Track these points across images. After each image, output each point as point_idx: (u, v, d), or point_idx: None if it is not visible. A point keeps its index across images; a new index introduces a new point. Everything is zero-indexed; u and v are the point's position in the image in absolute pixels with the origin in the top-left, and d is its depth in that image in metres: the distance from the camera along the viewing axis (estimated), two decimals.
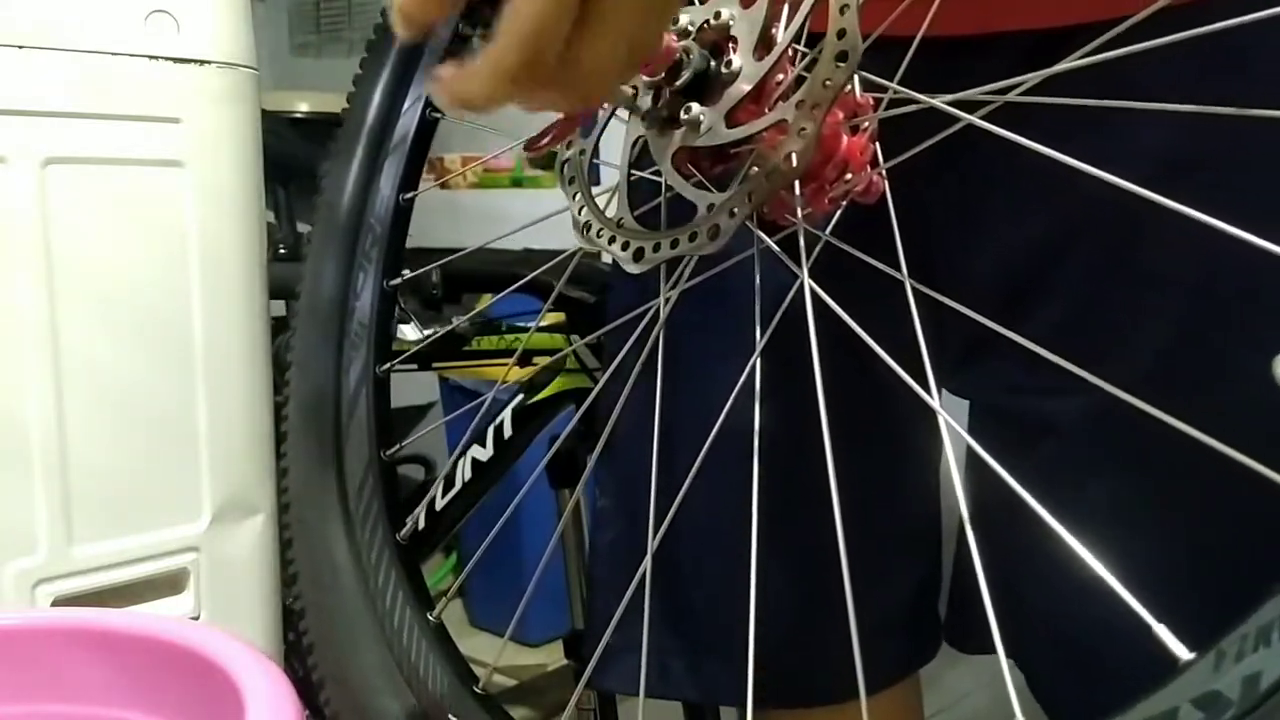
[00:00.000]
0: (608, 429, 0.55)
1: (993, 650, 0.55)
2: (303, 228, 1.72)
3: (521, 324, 1.24)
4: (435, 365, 1.33)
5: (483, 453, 1.07)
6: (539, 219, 0.64)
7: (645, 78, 0.45)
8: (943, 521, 0.66)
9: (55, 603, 0.74)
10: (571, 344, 1.09)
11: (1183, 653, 0.29)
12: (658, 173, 0.46)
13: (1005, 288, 0.55)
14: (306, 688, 0.61)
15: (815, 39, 0.41)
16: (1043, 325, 0.54)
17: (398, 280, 0.72)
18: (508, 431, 1.07)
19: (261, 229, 0.86)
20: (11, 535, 0.72)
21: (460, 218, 1.90)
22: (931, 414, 0.40)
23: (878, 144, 0.44)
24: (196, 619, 0.79)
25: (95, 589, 0.75)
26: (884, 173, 0.44)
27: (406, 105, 0.73)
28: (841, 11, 0.39)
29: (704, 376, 0.57)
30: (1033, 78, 0.38)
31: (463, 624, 1.97)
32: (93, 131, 0.75)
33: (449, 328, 1.11)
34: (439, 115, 0.73)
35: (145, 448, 0.77)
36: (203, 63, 0.79)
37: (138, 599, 0.78)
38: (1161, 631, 0.30)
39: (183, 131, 0.78)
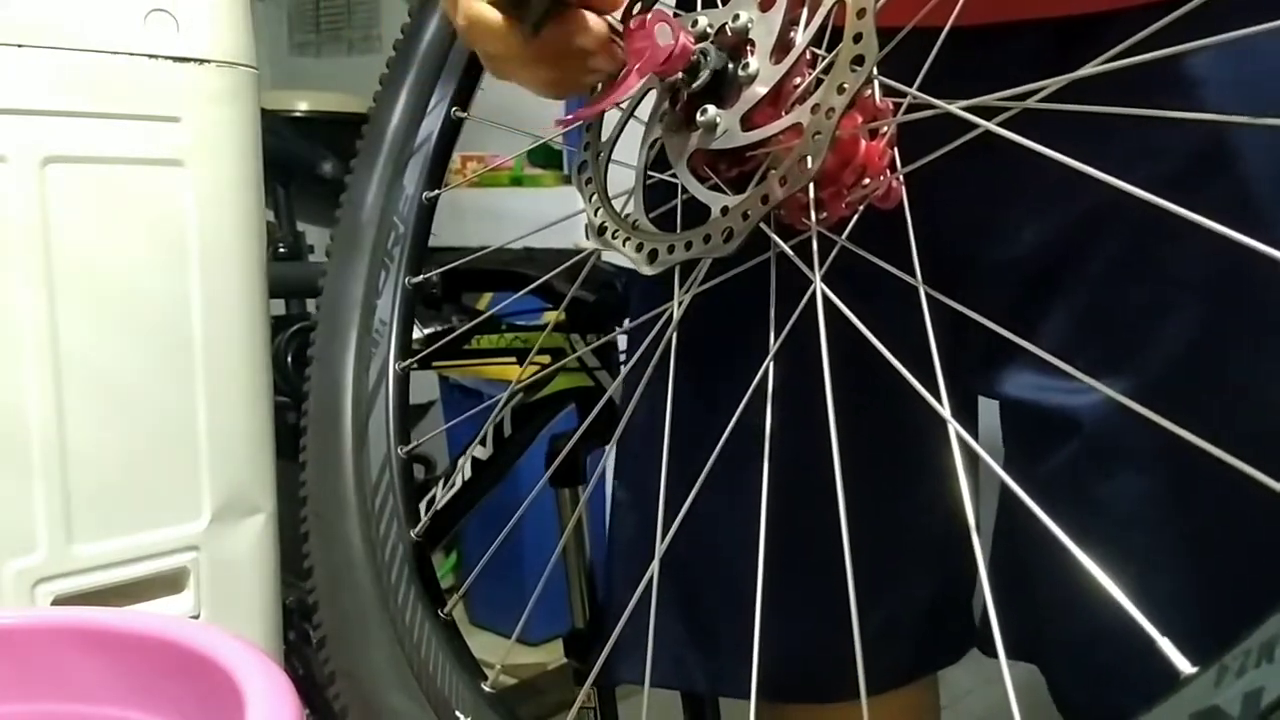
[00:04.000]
0: (622, 424, 0.56)
1: (1021, 656, 0.55)
2: (302, 227, 1.72)
3: (521, 323, 1.24)
4: (435, 364, 1.33)
5: (482, 452, 1.07)
6: (562, 219, 0.64)
7: (660, 78, 0.45)
8: (981, 529, 0.65)
9: (55, 602, 0.73)
10: (571, 343, 1.09)
11: (1185, 666, 0.29)
12: (674, 175, 0.46)
13: (1026, 282, 0.55)
14: (306, 686, 0.61)
15: (837, 37, 0.41)
16: (1063, 321, 0.54)
17: (419, 278, 0.73)
18: (507, 430, 1.07)
19: (261, 228, 0.86)
20: (11, 534, 0.72)
21: (460, 216, 1.89)
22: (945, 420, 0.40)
23: (896, 149, 0.44)
24: (196, 618, 0.79)
25: (95, 588, 0.75)
26: (902, 178, 0.44)
27: (431, 105, 0.74)
28: (859, 15, 0.39)
29: (719, 377, 0.57)
30: (1055, 82, 0.38)
31: (462, 623, 1.97)
32: (92, 130, 0.75)
33: (451, 327, 1.11)
34: (464, 115, 0.74)
35: (145, 446, 0.77)
36: (202, 61, 0.79)
37: (137, 598, 0.77)
38: (1165, 645, 0.30)
39: (182, 130, 0.78)
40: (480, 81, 0.75)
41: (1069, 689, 0.57)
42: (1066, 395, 0.53)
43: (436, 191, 0.74)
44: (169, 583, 0.78)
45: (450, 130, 0.74)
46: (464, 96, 0.75)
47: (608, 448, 0.57)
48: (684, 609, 0.64)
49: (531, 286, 0.80)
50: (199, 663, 0.51)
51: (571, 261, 0.68)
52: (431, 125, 0.74)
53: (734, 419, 0.47)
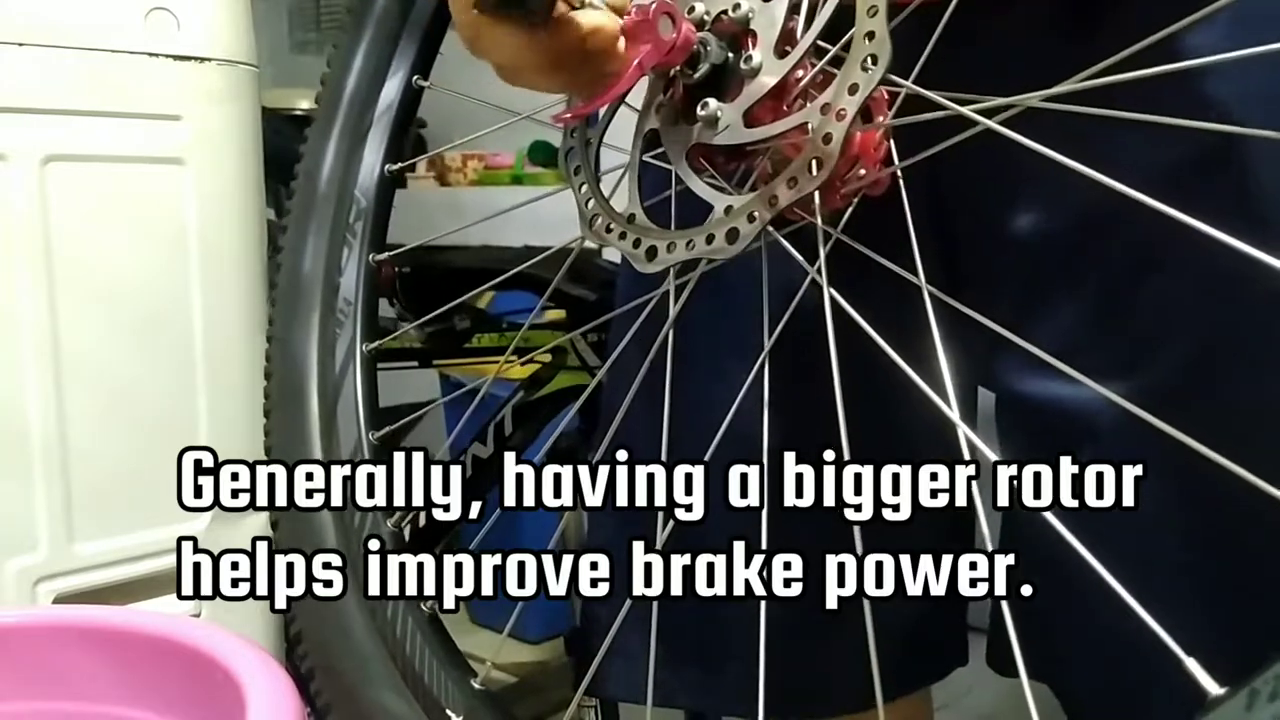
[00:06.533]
0: (614, 427, 0.55)
1: (1032, 675, 0.54)
2: None
3: (523, 321, 1.24)
4: (435, 362, 1.33)
5: (483, 450, 1.07)
6: (516, 205, 0.63)
7: (657, 67, 0.44)
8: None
9: (56, 600, 0.73)
10: (572, 342, 1.09)
11: (1213, 687, 0.29)
12: (667, 160, 0.45)
13: (1033, 278, 0.54)
14: (307, 684, 0.61)
15: (839, 27, 0.40)
16: (1072, 318, 0.52)
17: (383, 255, 0.70)
18: (508, 429, 1.07)
19: (262, 226, 0.86)
20: (13, 533, 0.72)
21: (461, 215, 1.89)
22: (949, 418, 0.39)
23: (891, 140, 0.43)
24: (197, 616, 0.79)
25: (96, 586, 0.75)
26: (899, 171, 0.43)
27: (391, 71, 0.70)
28: (870, 13, 0.38)
29: (711, 375, 0.56)
30: (1058, 90, 0.37)
31: (463, 621, 1.97)
32: (93, 129, 0.75)
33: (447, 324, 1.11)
34: (425, 84, 0.70)
35: (145, 445, 0.77)
36: (203, 60, 0.79)
37: (138, 596, 0.78)
38: (1191, 665, 0.29)
39: (183, 129, 0.78)
40: (440, 47, 0.70)
41: (1084, 708, 0.56)
42: (1077, 391, 0.52)
43: (399, 164, 0.70)
44: (170, 581, 0.78)
45: (412, 100, 0.71)
46: (425, 63, 0.71)
47: (599, 449, 0.56)
48: (663, 623, 0.63)
49: (503, 277, 0.78)
50: (200, 661, 0.51)
51: (551, 251, 0.66)
52: (392, 93, 0.70)
53: (727, 417, 0.46)
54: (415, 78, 0.70)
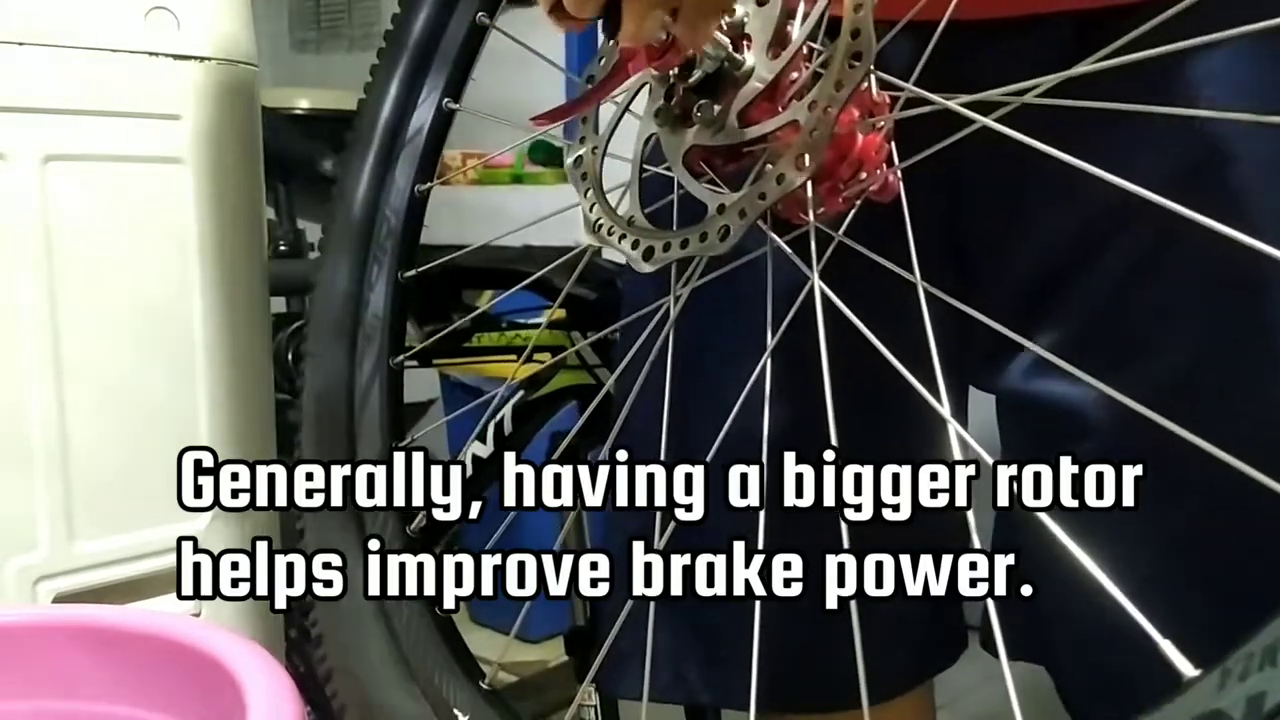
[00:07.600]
0: (617, 425, 0.55)
1: (1028, 658, 0.54)
2: (303, 225, 1.72)
3: (522, 320, 1.24)
4: (436, 361, 1.33)
5: (483, 449, 1.07)
6: (547, 215, 0.64)
7: (656, 73, 0.45)
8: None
9: (56, 599, 0.73)
10: (573, 341, 1.09)
11: (1188, 669, 0.29)
12: (669, 169, 0.46)
13: (1039, 280, 0.54)
14: (307, 684, 0.61)
15: (835, 27, 0.40)
16: (1073, 320, 0.53)
17: (412, 272, 0.72)
18: (508, 428, 1.07)
19: (262, 226, 0.86)
20: (13, 532, 0.72)
21: (461, 214, 1.89)
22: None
23: (893, 143, 0.43)
24: (197, 616, 0.79)
25: (96, 586, 0.75)
26: (900, 173, 0.44)
27: (422, 98, 0.73)
28: (856, 10, 0.38)
29: (716, 376, 0.57)
30: (1051, 79, 0.38)
31: (464, 620, 1.97)
32: (93, 128, 0.75)
33: (450, 326, 1.11)
34: (455, 107, 0.73)
35: (146, 444, 0.77)
36: (203, 59, 0.79)
37: (139, 596, 0.78)
38: (1167, 647, 0.30)
39: (183, 128, 0.78)
40: (471, 73, 0.73)
41: (1077, 691, 0.57)
42: (1069, 390, 0.52)
43: (429, 184, 0.73)
44: (170, 580, 0.78)
45: (442, 122, 0.74)
46: (455, 88, 0.74)
47: (604, 447, 0.56)
48: (683, 619, 0.64)
49: (525, 283, 0.79)
50: (200, 660, 0.51)
51: (566, 258, 0.67)
52: (423, 117, 0.73)
53: (729, 418, 0.47)
54: (446, 101, 0.73)
